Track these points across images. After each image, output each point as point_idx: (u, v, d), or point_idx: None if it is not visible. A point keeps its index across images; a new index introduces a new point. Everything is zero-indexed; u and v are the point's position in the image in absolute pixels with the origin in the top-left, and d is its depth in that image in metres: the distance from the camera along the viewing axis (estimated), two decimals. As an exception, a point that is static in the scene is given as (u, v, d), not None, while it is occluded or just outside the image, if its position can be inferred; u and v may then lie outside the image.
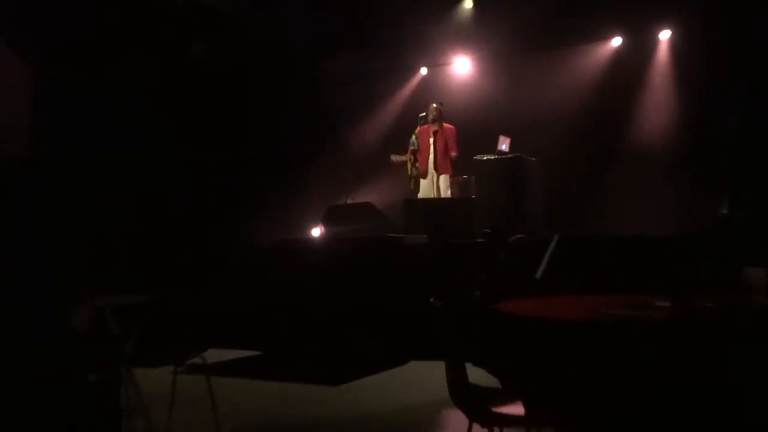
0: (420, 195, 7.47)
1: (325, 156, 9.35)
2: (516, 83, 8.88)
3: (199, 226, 7.27)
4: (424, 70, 9.95)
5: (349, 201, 8.33)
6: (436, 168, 7.43)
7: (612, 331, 2.48)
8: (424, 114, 7.52)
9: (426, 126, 7.42)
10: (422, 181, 7.45)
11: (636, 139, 8.33)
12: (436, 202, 7.27)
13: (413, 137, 7.51)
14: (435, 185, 7.44)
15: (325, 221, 7.52)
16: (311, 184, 9.08)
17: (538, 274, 4.57)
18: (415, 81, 10.02)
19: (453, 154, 7.35)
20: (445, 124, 7.48)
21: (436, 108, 7.47)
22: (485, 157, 7.26)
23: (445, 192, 7.43)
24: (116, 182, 6.39)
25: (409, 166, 7.48)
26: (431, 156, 7.38)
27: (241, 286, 6.50)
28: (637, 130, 8.38)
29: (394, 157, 7.43)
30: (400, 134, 8.24)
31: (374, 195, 8.47)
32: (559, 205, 7.89)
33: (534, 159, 7.56)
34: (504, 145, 7.42)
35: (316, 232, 8.45)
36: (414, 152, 7.50)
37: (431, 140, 7.35)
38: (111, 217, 6.01)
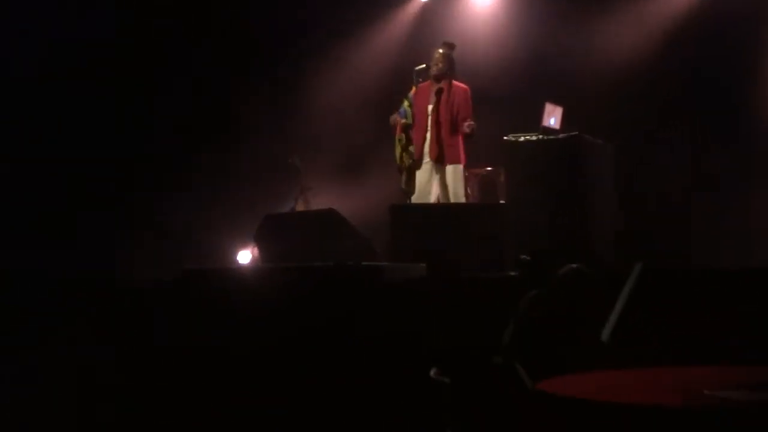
0: (415, 197, 6.97)
1: (261, 133, 8.75)
2: (569, 21, 8.29)
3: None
4: None
5: (299, 207, 8.04)
6: (441, 153, 6.80)
7: (724, 423, 2.37)
8: (424, 66, 6.77)
9: (426, 84, 6.76)
10: (418, 174, 6.88)
11: (759, 121, 7.90)
12: (440, 210, 6.77)
13: (405, 104, 6.83)
14: (439, 181, 6.89)
15: (259, 239, 6.95)
16: (237, 180, 8.73)
17: (606, 334, 3.86)
18: (409, 12, 9.40)
19: (467, 127, 6.66)
20: (456, 82, 6.83)
21: (443, 54, 6.79)
22: (522, 138, 6.60)
23: (457, 192, 6.87)
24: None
25: (397, 151, 6.83)
26: (431, 133, 6.76)
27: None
28: (762, 105, 7.93)
29: (397, 119, 6.83)
30: (382, 99, 7.96)
31: (343, 197, 7.96)
32: (640, 217, 7.64)
33: (601, 141, 6.78)
34: (553, 118, 6.70)
35: (245, 257, 8.34)
36: (406, 128, 6.81)
37: (431, 107, 6.72)
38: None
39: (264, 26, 8.94)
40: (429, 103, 6.76)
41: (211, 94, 8.80)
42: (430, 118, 6.77)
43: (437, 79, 6.75)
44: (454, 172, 6.85)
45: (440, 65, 6.73)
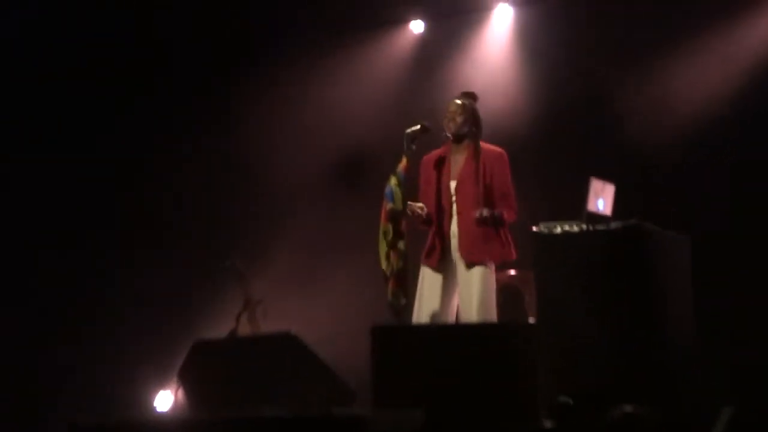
0: (418, 313, 6.11)
1: (185, 227, 8.35)
2: (623, 60, 7.67)
3: None
4: (417, 26, 8.80)
5: (243, 329, 7.54)
6: (467, 247, 5.99)
7: None
8: (419, 127, 6.01)
9: (437, 152, 6.11)
10: (424, 280, 6.07)
11: None
12: (443, 333, 5.71)
13: (391, 181, 6.03)
14: (463, 289, 6.04)
15: (185, 376, 6.20)
16: (151, 293, 8.15)
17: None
18: (400, 46, 8.78)
19: (508, 215, 6.01)
20: (487, 145, 6.11)
21: (462, 105, 6.05)
22: (558, 229, 5.91)
23: (486, 304, 6.02)
24: None
25: (382, 248, 6.10)
26: (458, 220, 6.03)
27: None
28: None
29: (414, 208, 6.09)
30: (360, 170, 7.94)
31: (305, 313, 7.38)
32: (727, 340, 6.94)
33: (673, 233, 6.11)
34: (601, 199, 6.03)
35: (164, 401, 7.91)
36: (394, 216, 6.02)
37: (454, 184, 6.00)
38: None
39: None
40: (449, 178, 6.05)
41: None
42: (454, 198, 6.04)
43: (458, 139, 5.99)
44: (483, 277, 5.97)
45: (458, 119, 5.91)
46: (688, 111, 7.61)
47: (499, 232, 6.07)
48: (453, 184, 6.09)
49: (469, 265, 6.04)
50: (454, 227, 6.08)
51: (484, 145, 6.13)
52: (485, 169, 6.04)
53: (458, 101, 6.15)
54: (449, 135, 6.12)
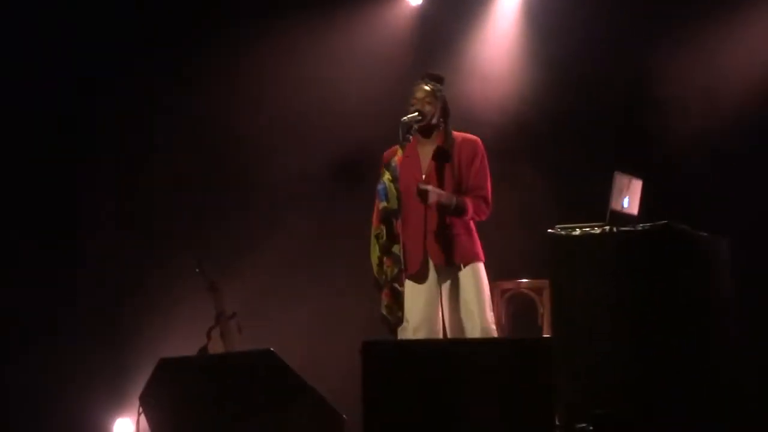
0: (409, 327, 5.80)
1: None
2: (655, 32, 7.23)
3: None
4: None
5: (214, 346, 7.18)
6: (448, 250, 5.78)
7: None
8: (417, 114, 5.75)
9: (410, 145, 5.93)
10: (412, 291, 5.76)
11: None
12: (444, 349, 5.52)
13: (385, 176, 5.69)
14: (449, 297, 5.82)
15: (149, 400, 5.93)
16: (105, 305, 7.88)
17: None
18: (395, 20, 8.16)
19: (475, 208, 5.77)
20: (459, 134, 5.89)
21: (431, 92, 5.83)
22: (578, 230, 5.69)
23: (481, 310, 5.78)
24: None
25: (374, 254, 5.72)
26: (429, 221, 5.80)
27: None
28: None
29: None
30: (347, 163, 7.61)
31: (286, 328, 7.13)
32: None
33: (707, 234, 5.80)
34: (627, 197, 5.80)
35: (124, 429, 7.57)
36: (387, 216, 5.64)
37: (424, 177, 5.87)
38: None
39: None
40: (421, 171, 5.77)
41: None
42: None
43: (426, 131, 5.65)
44: (473, 276, 5.63)
45: (427, 107, 5.60)
46: (728, 94, 7.17)
47: (472, 227, 5.80)
48: (424, 177, 5.82)
49: (451, 267, 5.73)
50: (428, 229, 5.77)
51: (456, 134, 5.83)
52: (459, 160, 5.78)
53: (426, 86, 5.81)
54: (416, 123, 5.75)
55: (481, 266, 5.72)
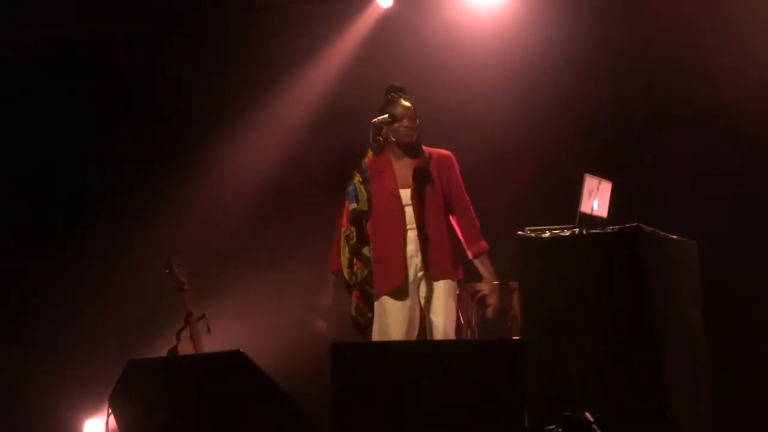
0: (378, 330, 5.96)
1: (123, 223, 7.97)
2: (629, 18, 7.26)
3: None
4: (385, 0, 8.40)
5: (184, 348, 7.12)
6: (426, 264, 5.98)
7: None
8: (387, 116, 5.94)
9: (379, 159, 6.04)
10: (389, 305, 5.92)
11: None
12: (414, 351, 5.66)
13: (356, 178, 5.94)
14: (424, 304, 5.99)
15: (118, 402, 5.91)
16: (78, 304, 7.82)
17: None
18: (364, 25, 8.21)
19: (483, 241, 6.07)
20: (431, 149, 6.05)
21: (412, 108, 5.93)
22: (547, 233, 5.71)
23: (446, 322, 5.97)
24: None
25: (345, 255, 5.90)
26: (418, 231, 5.97)
27: None
28: None
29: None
30: (318, 169, 7.72)
31: (255, 328, 7.29)
32: (743, 358, 6.79)
33: (676, 237, 5.85)
34: (596, 199, 5.87)
35: (94, 428, 7.70)
36: (356, 218, 5.88)
37: (408, 192, 5.97)
38: None
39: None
40: (396, 186, 5.81)
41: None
42: (410, 209, 5.82)
43: (412, 150, 5.78)
44: (445, 292, 5.82)
45: (415, 124, 5.73)
46: (699, 96, 7.11)
47: (451, 245, 5.91)
48: (405, 193, 5.87)
49: (438, 281, 5.88)
50: (411, 242, 5.87)
51: (428, 149, 5.95)
52: (440, 178, 5.90)
53: (407, 103, 5.91)
54: (407, 143, 5.82)
55: (454, 285, 5.87)
